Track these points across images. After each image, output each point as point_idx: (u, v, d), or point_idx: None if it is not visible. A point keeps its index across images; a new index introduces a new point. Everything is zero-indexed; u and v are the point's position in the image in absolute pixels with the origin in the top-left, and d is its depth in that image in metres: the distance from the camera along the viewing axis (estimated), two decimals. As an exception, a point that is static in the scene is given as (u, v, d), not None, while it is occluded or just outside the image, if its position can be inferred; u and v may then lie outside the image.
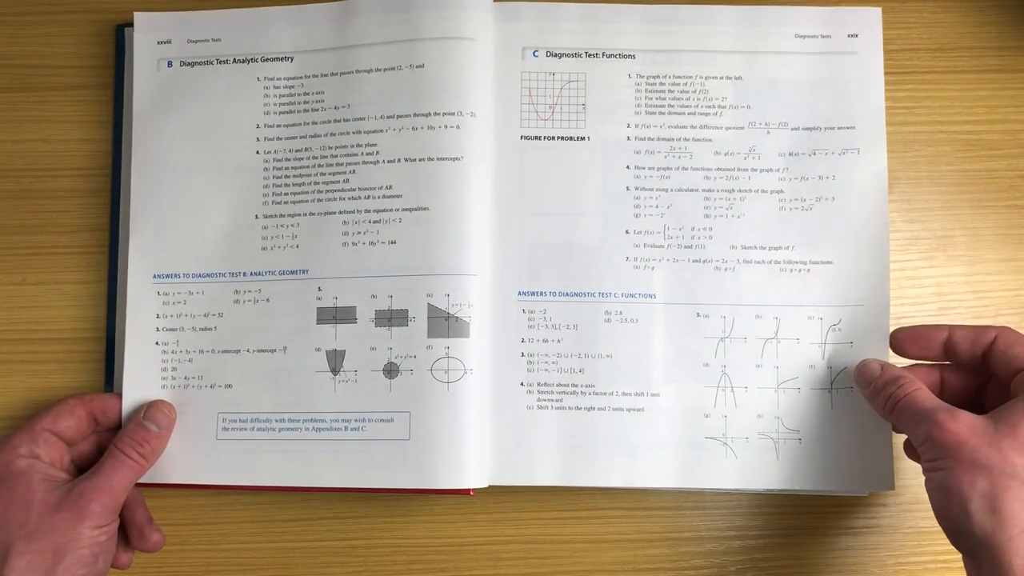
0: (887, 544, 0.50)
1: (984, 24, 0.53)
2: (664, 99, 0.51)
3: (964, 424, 0.40)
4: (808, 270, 0.49)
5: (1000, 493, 0.38)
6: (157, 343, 0.50)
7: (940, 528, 0.40)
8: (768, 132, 0.50)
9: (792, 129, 0.50)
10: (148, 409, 0.48)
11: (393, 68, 0.50)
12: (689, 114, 0.51)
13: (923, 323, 0.47)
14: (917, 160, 0.52)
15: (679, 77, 0.51)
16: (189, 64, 0.52)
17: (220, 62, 0.52)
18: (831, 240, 0.49)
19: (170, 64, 0.52)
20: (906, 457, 0.48)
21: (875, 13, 0.51)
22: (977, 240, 0.52)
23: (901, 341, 0.47)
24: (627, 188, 0.50)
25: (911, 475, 0.50)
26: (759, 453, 0.48)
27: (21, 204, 0.53)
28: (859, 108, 0.50)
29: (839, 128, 0.50)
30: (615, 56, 0.51)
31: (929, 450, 0.41)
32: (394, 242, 0.49)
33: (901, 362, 0.48)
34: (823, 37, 0.51)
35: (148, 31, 0.52)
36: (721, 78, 0.51)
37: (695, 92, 0.51)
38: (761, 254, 0.50)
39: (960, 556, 0.41)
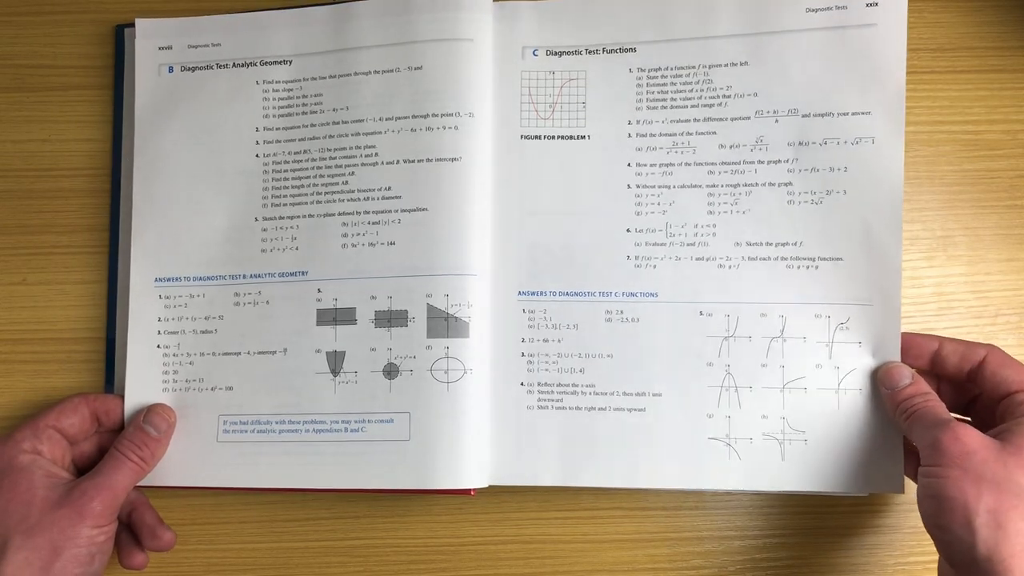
0: (887, 544, 0.50)
1: (984, 24, 0.53)
2: (666, 92, 0.50)
3: (975, 436, 0.40)
4: (816, 267, 0.48)
5: (1006, 510, 0.38)
6: (159, 346, 0.50)
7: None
8: (776, 120, 0.49)
9: (803, 116, 0.48)
10: (148, 413, 0.48)
11: (391, 70, 0.50)
12: (692, 106, 0.50)
13: (921, 327, 0.47)
14: (917, 160, 0.52)
15: (681, 68, 0.50)
16: (189, 69, 0.52)
17: (220, 66, 0.52)
18: (841, 235, 0.48)
19: (171, 70, 0.52)
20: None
21: None
22: (977, 240, 0.52)
23: None
24: (628, 186, 0.50)
25: (911, 475, 0.50)
26: (763, 454, 0.48)
27: (21, 204, 0.53)
28: (876, 90, 0.48)
29: (853, 114, 0.48)
30: (616, 51, 0.50)
31: (933, 455, 0.41)
32: (393, 243, 0.49)
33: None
34: (838, 8, 0.48)
35: (149, 37, 0.52)
36: (726, 65, 0.49)
37: (698, 83, 0.50)
38: (767, 250, 0.49)
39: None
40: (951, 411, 0.43)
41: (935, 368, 0.46)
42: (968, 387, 0.46)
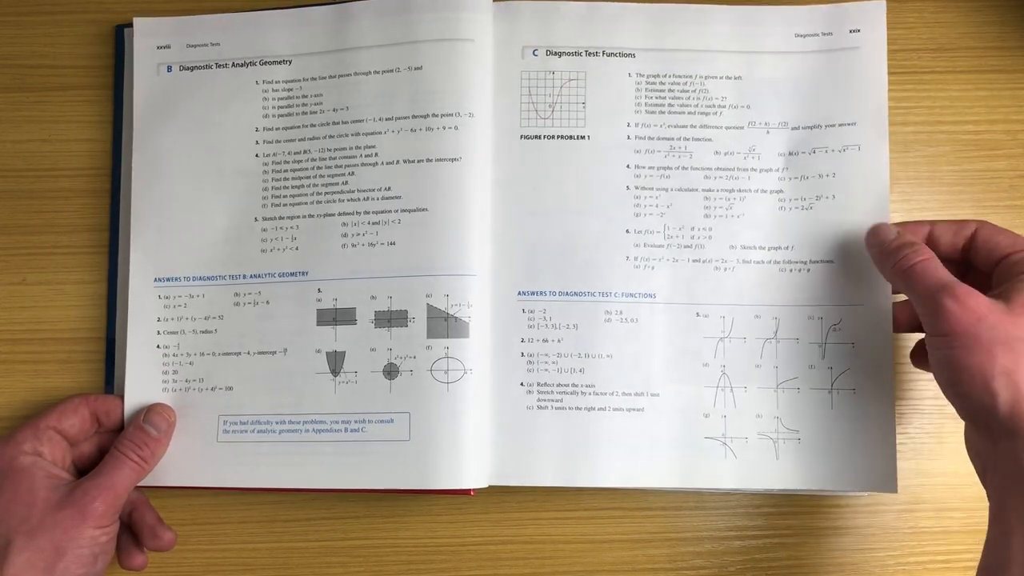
0: (887, 544, 0.50)
1: (984, 24, 0.53)
2: (664, 98, 0.51)
3: (983, 301, 0.40)
4: (808, 270, 0.49)
5: (1021, 368, 0.38)
6: (158, 346, 0.50)
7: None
8: (768, 132, 0.50)
9: (792, 129, 0.50)
10: (148, 412, 0.48)
11: (391, 70, 0.50)
12: (689, 113, 0.51)
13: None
14: (917, 160, 0.52)
15: (679, 76, 0.51)
16: (188, 68, 0.52)
17: (219, 66, 0.52)
18: (832, 239, 0.49)
19: (169, 69, 0.52)
20: (905, 458, 0.48)
21: (879, 7, 0.50)
22: (977, 240, 0.52)
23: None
24: (627, 187, 0.50)
25: (911, 475, 0.50)
26: (758, 453, 0.48)
27: (21, 204, 0.53)
28: (861, 104, 0.50)
29: (840, 125, 0.50)
30: (615, 55, 0.51)
31: (940, 323, 0.40)
32: (393, 243, 0.49)
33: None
34: (824, 35, 0.50)
35: (148, 37, 0.52)
36: (721, 78, 0.51)
37: (695, 92, 0.51)
38: (760, 254, 0.49)
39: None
40: None
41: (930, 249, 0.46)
42: (959, 264, 0.46)
